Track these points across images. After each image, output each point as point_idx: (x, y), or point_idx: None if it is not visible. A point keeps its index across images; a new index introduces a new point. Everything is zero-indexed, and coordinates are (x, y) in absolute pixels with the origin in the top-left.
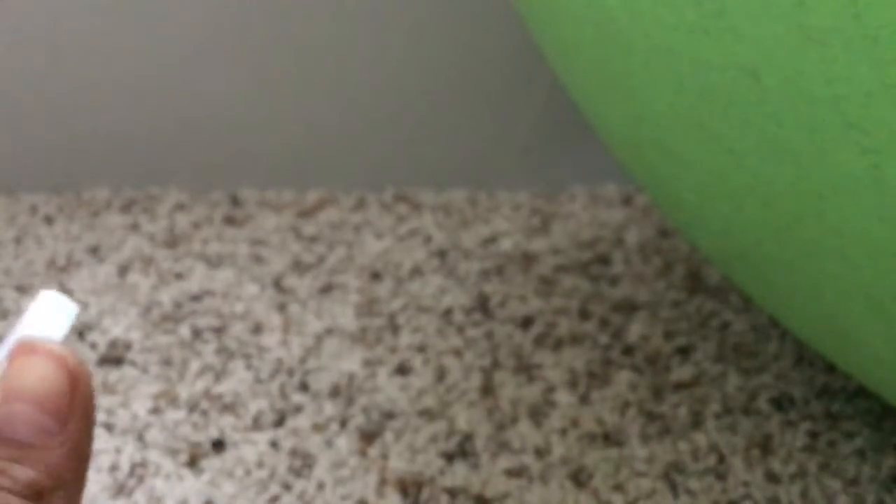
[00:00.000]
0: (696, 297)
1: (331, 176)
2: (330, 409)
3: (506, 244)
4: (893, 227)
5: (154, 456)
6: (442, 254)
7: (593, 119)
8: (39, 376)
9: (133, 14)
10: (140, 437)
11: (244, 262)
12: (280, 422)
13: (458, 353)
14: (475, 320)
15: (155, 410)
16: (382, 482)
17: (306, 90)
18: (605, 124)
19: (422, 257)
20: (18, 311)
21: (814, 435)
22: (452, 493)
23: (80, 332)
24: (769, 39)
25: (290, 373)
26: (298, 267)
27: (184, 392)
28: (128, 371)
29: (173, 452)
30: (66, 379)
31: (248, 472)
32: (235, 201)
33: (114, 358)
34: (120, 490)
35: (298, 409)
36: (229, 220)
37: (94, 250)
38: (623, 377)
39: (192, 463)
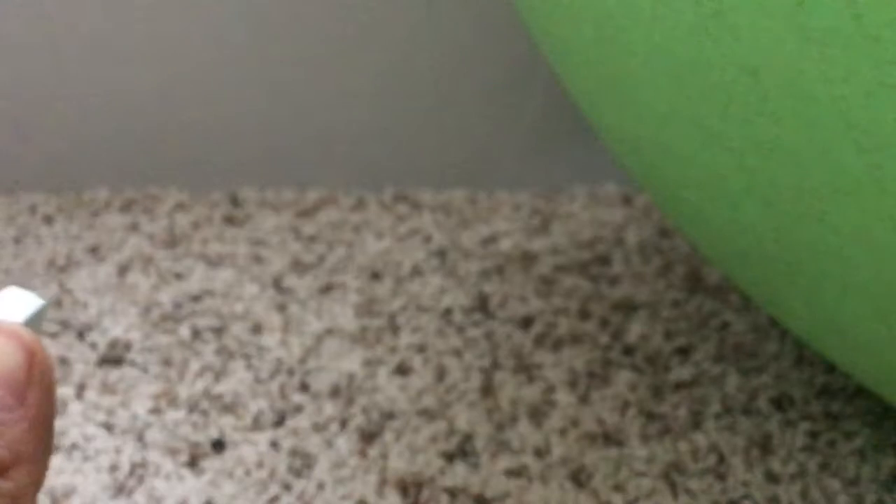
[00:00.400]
0: (696, 297)
1: (330, 176)
2: (330, 409)
3: (506, 244)
4: (893, 227)
5: (154, 456)
6: (442, 254)
7: (593, 119)
8: None
9: (133, 15)
10: (140, 437)
11: (244, 262)
12: (280, 422)
13: (457, 353)
14: (475, 320)
15: (155, 410)
16: (382, 482)
17: (306, 90)
18: (605, 124)
19: (421, 257)
20: None
21: (813, 435)
22: (452, 493)
23: (80, 332)
24: (769, 39)
25: (290, 373)
26: (298, 267)
27: (184, 392)
28: (128, 371)
29: (173, 452)
30: (22, 353)
31: (248, 473)
32: (235, 201)
33: (113, 358)
34: (120, 490)
35: (298, 409)
36: (229, 220)
37: (94, 250)
38: (623, 377)
39: (192, 463)
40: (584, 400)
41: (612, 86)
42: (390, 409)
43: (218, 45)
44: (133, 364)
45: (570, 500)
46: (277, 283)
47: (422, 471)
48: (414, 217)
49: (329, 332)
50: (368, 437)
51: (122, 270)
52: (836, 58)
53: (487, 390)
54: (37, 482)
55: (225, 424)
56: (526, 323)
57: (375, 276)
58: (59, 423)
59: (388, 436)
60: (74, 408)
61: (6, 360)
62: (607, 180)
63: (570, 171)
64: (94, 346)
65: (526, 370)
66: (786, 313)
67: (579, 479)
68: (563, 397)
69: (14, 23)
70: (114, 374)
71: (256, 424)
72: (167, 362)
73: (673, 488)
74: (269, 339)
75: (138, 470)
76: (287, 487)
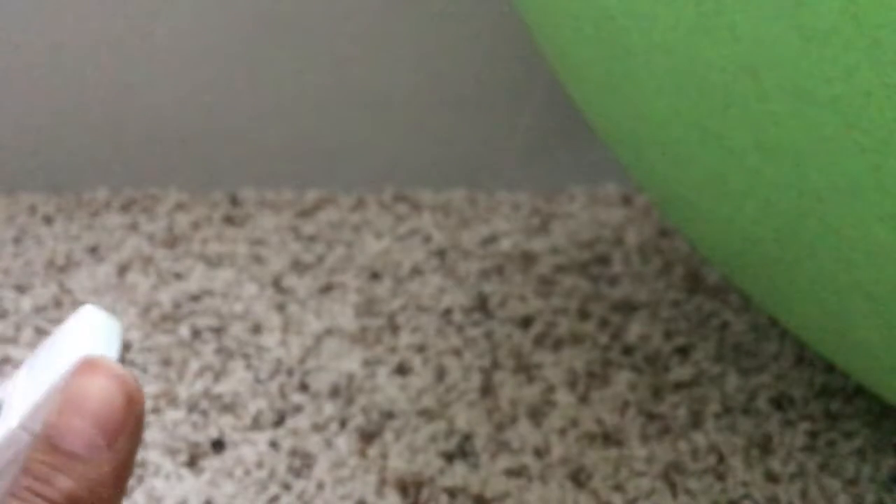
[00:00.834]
0: (696, 297)
1: (330, 176)
2: (330, 409)
3: (505, 244)
4: (893, 227)
5: (154, 456)
6: (441, 254)
7: (593, 119)
8: (99, 395)
9: (133, 15)
10: None
11: (244, 262)
12: (280, 422)
13: (457, 353)
14: (475, 320)
15: (154, 410)
16: (382, 482)
17: (306, 90)
18: (605, 124)
19: (421, 257)
20: (18, 311)
21: (813, 435)
22: (452, 492)
23: None
24: (769, 39)
25: (290, 373)
26: (298, 267)
27: (183, 392)
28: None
29: (173, 452)
30: (124, 399)
31: (247, 472)
32: (235, 201)
33: None
34: None
35: (298, 409)
36: (229, 220)
37: (94, 250)
38: (623, 377)
39: (192, 463)
40: (583, 400)
41: (612, 86)
42: (390, 409)
43: (218, 45)
44: (132, 364)
45: (570, 500)
46: (277, 283)
47: (421, 471)
48: (414, 217)
49: (329, 332)
50: (368, 437)
51: (122, 270)
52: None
53: (487, 390)
54: None
55: (224, 424)
56: (526, 323)
57: (375, 276)
58: None
59: (387, 436)
60: None
61: (108, 402)
62: (607, 180)
63: (570, 171)
64: None
65: (526, 370)
66: (786, 313)
67: (579, 479)
68: (563, 397)
69: (14, 23)
70: None
71: (256, 424)
72: (167, 362)
73: (673, 488)
74: (269, 339)
75: (138, 470)
76: (287, 487)
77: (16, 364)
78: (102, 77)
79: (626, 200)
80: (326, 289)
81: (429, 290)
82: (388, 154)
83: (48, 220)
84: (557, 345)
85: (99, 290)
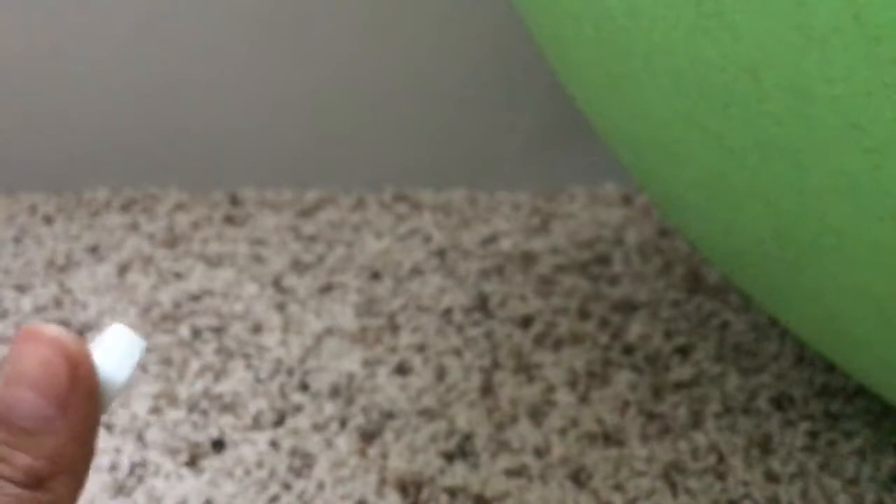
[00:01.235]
0: (696, 297)
1: (330, 175)
2: (330, 408)
3: (505, 244)
4: (893, 227)
5: (154, 456)
6: (441, 253)
7: (593, 119)
8: (38, 363)
9: (134, 14)
10: (140, 437)
11: (244, 262)
12: (280, 422)
13: (457, 352)
14: (475, 320)
15: (154, 410)
16: (382, 482)
17: (306, 90)
18: (605, 124)
19: (421, 257)
20: (18, 311)
21: (813, 434)
22: (452, 492)
23: (79, 331)
24: (769, 39)
25: (290, 373)
26: (298, 266)
27: (183, 392)
28: None
29: (173, 452)
30: (65, 363)
31: (247, 472)
32: (235, 201)
33: None
34: (119, 490)
35: (298, 408)
36: (229, 220)
37: (94, 250)
38: (623, 377)
39: (192, 463)
40: (583, 400)
41: (612, 86)
42: (390, 408)
43: (218, 45)
44: None
45: (570, 499)
46: (277, 283)
47: (422, 470)
48: (414, 217)
49: (329, 331)
50: (368, 436)
51: (122, 270)
52: (836, 58)
53: (487, 390)
54: (75, 494)
55: (225, 424)
56: (526, 323)
57: (375, 275)
58: None
59: (388, 436)
60: None
61: (49, 370)
62: (607, 180)
63: (570, 171)
64: None
65: (526, 370)
66: (786, 313)
67: (579, 478)
68: (563, 397)
69: (14, 23)
70: None
71: (256, 424)
72: (167, 362)
73: (673, 488)
74: (269, 339)
75: (138, 469)
76: (287, 487)
77: None
78: (102, 77)
79: (626, 200)
80: (326, 289)
81: (429, 290)
82: (388, 154)
83: (48, 220)
84: (557, 345)
85: (99, 290)
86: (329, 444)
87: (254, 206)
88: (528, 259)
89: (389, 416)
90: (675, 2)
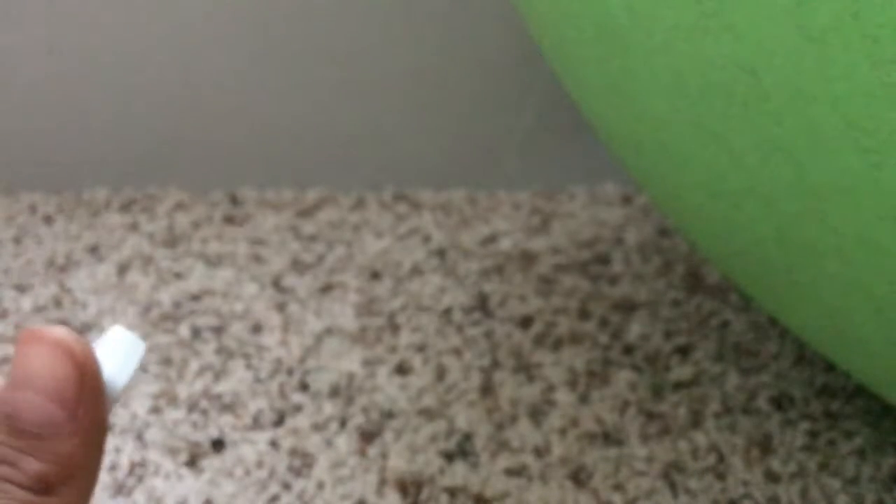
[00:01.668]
0: (696, 297)
1: (330, 175)
2: (329, 408)
3: (505, 243)
4: (893, 227)
5: (153, 455)
6: (441, 253)
7: (593, 119)
8: (45, 366)
9: (134, 13)
10: (139, 437)
11: (243, 262)
12: (280, 421)
13: (457, 352)
14: (475, 320)
15: (154, 410)
16: (382, 482)
17: (306, 90)
18: (605, 124)
19: (421, 257)
20: (18, 311)
21: (813, 434)
22: (452, 492)
23: (79, 331)
24: (769, 39)
25: (290, 372)
26: (298, 266)
27: (183, 392)
28: None
29: (173, 452)
30: (72, 366)
31: (247, 472)
32: (235, 201)
33: None
34: (119, 489)
35: (298, 408)
36: (229, 220)
37: (94, 250)
38: (623, 377)
39: (192, 462)
40: (583, 400)
41: (612, 85)
42: (390, 408)
43: (218, 45)
44: None
45: (569, 499)
46: (277, 283)
47: (421, 470)
48: (414, 217)
49: (329, 331)
50: (368, 436)
51: (122, 270)
52: (835, 57)
53: (487, 390)
54: (86, 498)
55: (224, 424)
56: (526, 322)
57: (375, 275)
58: None
59: (387, 435)
60: None
61: (56, 373)
62: (607, 180)
63: (570, 171)
64: None
65: (526, 370)
66: (786, 313)
67: (579, 478)
68: (563, 397)
69: (14, 23)
70: None
71: (256, 424)
72: (167, 362)
73: (673, 488)
74: (269, 339)
75: (138, 469)
76: (287, 487)
77: None
78: (102, 77)
79: (626, 200)
80: (326, 288)
81: (429, 290)
82: (388, 154)
83: (48, 220)
84: (557, 344)
85: (99, 289)
86: (329, 443)
87: (254, 205)
88: (528, 259)
89: (389, 415)
90: (676, 2)
